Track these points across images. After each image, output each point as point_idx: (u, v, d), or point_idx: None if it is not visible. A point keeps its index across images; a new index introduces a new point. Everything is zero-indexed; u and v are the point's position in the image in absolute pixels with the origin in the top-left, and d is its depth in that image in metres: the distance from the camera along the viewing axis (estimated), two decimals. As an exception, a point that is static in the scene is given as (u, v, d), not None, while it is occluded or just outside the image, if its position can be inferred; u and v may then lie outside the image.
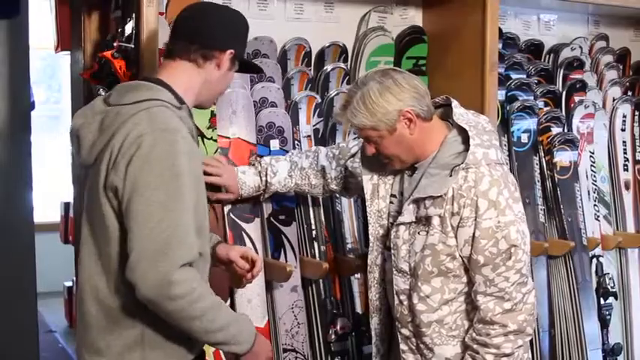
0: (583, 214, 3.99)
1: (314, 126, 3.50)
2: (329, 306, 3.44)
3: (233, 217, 3.20)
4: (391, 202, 2.85)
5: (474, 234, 2.59)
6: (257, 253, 3.22)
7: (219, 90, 2.56)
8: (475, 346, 2.65)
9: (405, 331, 2.80)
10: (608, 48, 4.47)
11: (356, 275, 3.52)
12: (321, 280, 3.43)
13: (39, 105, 4.91)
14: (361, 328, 3.51)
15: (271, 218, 3.31)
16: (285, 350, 3.33)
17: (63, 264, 4.82)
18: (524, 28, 4.29)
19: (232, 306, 3.17)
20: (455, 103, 2.74)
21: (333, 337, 3.43)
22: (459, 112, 2.71)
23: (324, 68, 3.57)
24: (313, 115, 3.49)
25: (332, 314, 3.44)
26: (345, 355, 3.48)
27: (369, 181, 2.88)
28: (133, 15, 2.93)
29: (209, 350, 3.08)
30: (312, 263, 3.37)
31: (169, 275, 2.16)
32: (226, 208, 3.17)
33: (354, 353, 3.51)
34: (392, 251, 2.77)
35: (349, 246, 3.53)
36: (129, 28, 2.95)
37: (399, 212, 2.76)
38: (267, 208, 3.31)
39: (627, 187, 4.29)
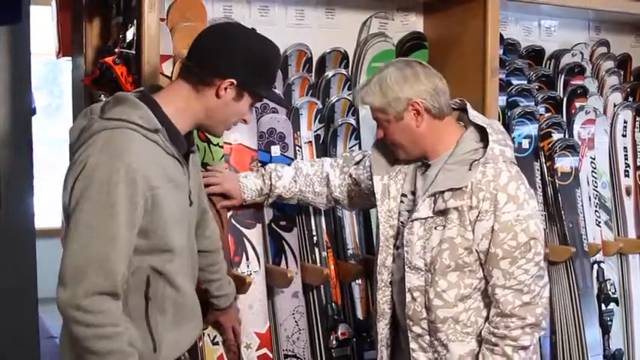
0: (584, 220, 3.99)
1: (315, 132, 3.50)
2: (330, 312, 3.44)
3: (234, 222, 3.20)
4: (401, 202, 2.87)
5: (492, 227, 2.62)
6: (258, 259, 3.22)
7: (224, 119, 2.51)
8: (494, 339, 2.67)
9: (417, 329, 2.79)
10: (609, 54, 4.47)
11: (357, 281, 3.52)
12: (322, 286, 3.43)
13: (40, 111, 4.91)
14: (362, 333, 3.51)
15: (272, 224, 3.31)
16: (286, 356, 3.33)
17: (64, 270, 4.81)
18: (525, 34, 4.29)
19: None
20: (469, 106, 2.80)
21: (334, 342, 3.42)
22: (474, 114, 2.77)
23: (325, 74, 3.57)
24: (314, 121, 3.49)
25: (333, 320, 3.43)
26: (346, 361, 3.48)
27: (379, 181, 2.90)
28: (134, 21, 2.93)
29: (212, 355, 3.09)
30: (313, 269, 3.37)
31: (77, 299, 2.18)
32: (228, 214, 3.17)
33: (355, 359, 3.51)
34: (405, 248, 2.77)
35: (350, 252, 3.53)
36: (130, 34, 2.95)
37: (409, 211, 2.79)
38: (269, 214, 3.31)
39: (628, 193, 4.28)
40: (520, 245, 2.62)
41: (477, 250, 2.68)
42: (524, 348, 2.67)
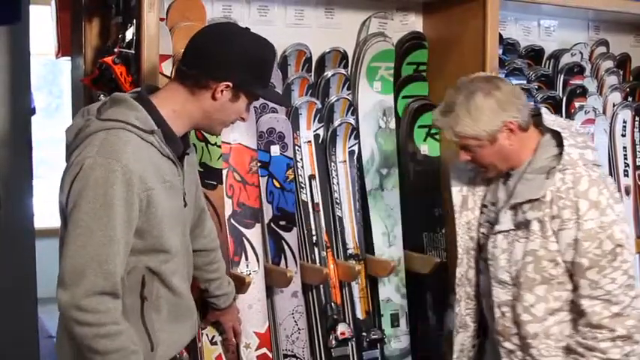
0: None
1: (314, 131, 3.51)
2: (329, 311, 3.45)
3: (234, 222, 3.21)
4: (482, 212, 2.82)
5: (576, 236, 2.54)
6: (257, 258, 3.23)
7: (222, 120, 2.50)
8: (581, 350, 2.60)
9: (509, 345, 2.74)
10: (608, 53, 4.47)
11: (357, 280, 3.52)
12: (321, 286, 3.43)
13: (39, 111, 4.91)
14: (362, 333, 3.52)
15: (272, 224, 3.31)
16: (285, 356, 3.33)
17: (64, 270, 4.81)
18: (525, 33, 4.28)
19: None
20: (544, 110, 2.73)
21: (333, 342, 3.43)
22: (550, 118, 2.69)
23: (325, 74, 3.57)
24: (314, 121, 3.49)
25: (332, 320, 3.44)
26: (345, 361, 3.48)
27: (458, 192, 2.87)
28: (134, 21, 2.93)
29: (211, 355, 3.09)
30: (312, 269, 3.38)
31: (77, 299, 2.20)
32: (227, 214, 3.18)
33: (354, 359, 3.51)
34: (489, 262, 2.72)
35: (350, 251, 3.53)
36: (129, 33, 2.95)
37: (491, 222, 2.74)
38: (268, 214, 3.31)
39: (628, 193, 4.28)
40: (606, 253, 2.52)
41: (563, 261, 2.60)
42: None
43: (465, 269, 2.90)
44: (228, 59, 2.39)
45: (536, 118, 2.72)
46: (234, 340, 3.10)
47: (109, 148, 2.25)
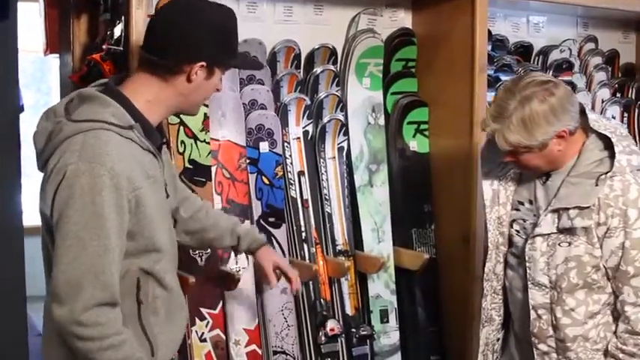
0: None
1: (303, 128, 3.50)
2: (319, 308, 3.45)
3: (223, 219, 3.20)
4: (517, 209, 2.77)
5: (623, 244, 2.50)
6: (247, 255, 3.21)
7: (199, 99, 2.44)
8: (622, 356, 2.57)
9: (543, 347, 2.71)
10: (597, 50, 4.48)
11: (346, 276, 3.52)
12: (310, 282, 3.43)
13: (28, 108, 4.89)
14: (351, 329, 3.52)
15: (261, 220, 3.31)
16: (275, 352, 3.33)
17: (53, 267, 4.81)
18: (514, 30, 4.29)
19: (223, 308, 3.17)
20: (588, 109, 2.64)
21: (323, 338, 3.43)
22: (592, 118, 2.61)
23: (314, 70, 3.57)
24: (302, 117, 3.49)
25: (322, 316, 3.44)
26: (335, 357, 3.49)
27: (489, 186, 2.82)
28: (122, 17, 2.92)
29: (200, 352, 3.08)
30: (301, 265, 3.37)
31: (77, 315, 2.11)
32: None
33: (344, 355, 3.52)
34: (527, 264, 2.68)
35: (339, 248, 3.53)
36: (118, 30, 2.95)
37: (527, 220, 2.71)
38: (257, 211, 3.31)
39: (616, 189, 4.29)
40: None
41: (604, 267, 2.57)
42: None
43: (493, 264, 2.86)
44: (197, 39, 2.31)
45: (581, 116, 2.61)
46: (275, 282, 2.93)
47: (90, 151, 2.14)
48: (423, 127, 3.79)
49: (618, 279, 2.55)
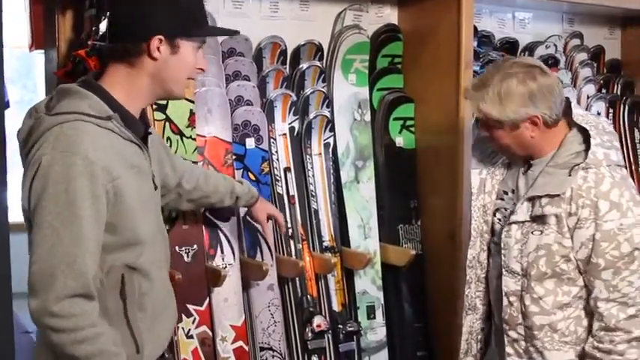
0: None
1: (289, 124, 3.50)
2: (305, 304, 3.45)
3: (209, 215, 3.20)
4: (501, 199, 2.81)
5: (593, 236, 2.53)
6: (233, 252, 3.23)
7: (174, 78, 2.34)
8: (599, 355, 2.58)
9: (513, 334, 2.75)
10: (582, 46, 4.49)
11: (332, 273, 3.52)
12: (297, 278, 3.43)
13: (13, 104, 4.87)
14: (338, 325, 3.52)
15: (247, 216, 3.30)
16: (262, 349, 3.33)
17: (38, 264, 4.79)
18: (500, 26, 4.30)
19: (209, 305, 3.16)
20: (573, 104, 2.69)
21: (309, 335, 3.43)
22: (579, 113, 2.67)
23: (300, 66, 3.57)
24: (289, 113, 3.49)
25: (309, 312, 3.44)
26: (321, 353, 3.48)
27: (477, 175, 2.87)
28: (108, 13, 2.90)
29: (187, 349, 3.08)
30: (288, 261, 3.37)
31: (50, 305, 2.08)
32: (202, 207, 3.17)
33: (330, 351, 3.52)
34: (502, 251, 2.72)
35: (325, 244, 3.54)
36: (103, 26, 2.93)
37: (509, 209, 2.73)
38: (244, 207, 3.31)
39: (602, 184, 4.30)
40: (623, 256, 2.52)
41: (575, 259, 2.60)
42: None
43: (477, 252, 2.89)
44: (147, 13, 2.27)
45: (566, 110, 2.68)
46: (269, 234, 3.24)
47: (65, 141, 2.12)
48: (409, 123, 3.79)
49: (590, 272, 2.57)
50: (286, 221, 3.43)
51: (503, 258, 2.72)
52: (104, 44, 2.36)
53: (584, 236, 2.55)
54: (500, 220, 2.81)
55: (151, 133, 2.45)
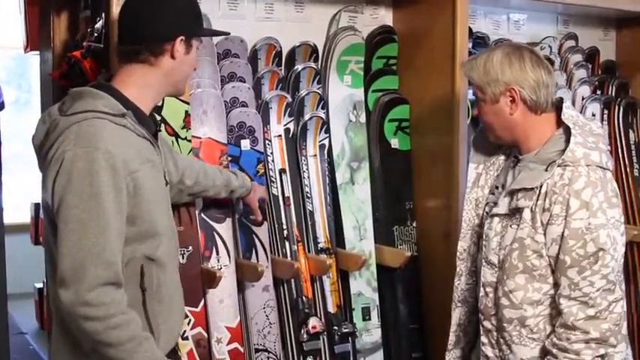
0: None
1: (285, 125, 3.50)
2: (301, 305, 3.45)
3: (204, 217, 3.20)
4: (492, 193, 2.86)
5: (562, 233, 2.54)
6: (228, 253, 3.23)
7: (183, 75, 2.52)
8: (554, 351, 2.58)
9: (488, 324, 2.78)
10: (577, 47, 4.50)
11: (328, 274, 3.53)
12: (292, 280, 3.43)
13: (9, 105, 4.88)
14: (333, 327, 3.52)
15: (242, 218, 3.31)
16: (257, 350, 3.33)
17: (33, 265, 4.77)
18: (494, 27, 4.30)
19: (205, 306, 3.16)
20: (567, 104, 2.71)
21: (305, 336, 3.42)
22: (569, 113, 2.68)
23: (295, 68, 3.57)
24: (284, 115, 3.49)
25: (304, 314, 3.44)
26: (317, 355, 3.48)
27: (474, 169, 2.92)
28: (103, 14, 2.91)
29: (182, 350, 3.08)
30: (283, 263, 3.37)
31: (83, 295, 2.15)
32: (197, 209, 3.17)
33: (326, 352, 3.52)
34: (483, 242, 2.77)
35: (321, 245, 3.54)
36: (98, 27, 2.94)
37: (497, 204, 2.77)
38: (239, 208, 3.31)
39: (597, 185, 4.31)
40: (588, 255, 2.52)
41: (547, 255, 2.61)
42: None
43: (467, 244, 2.92)
44: (169, 16, 2.41)
45: (557, 109, 2.72)
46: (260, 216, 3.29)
47: (85, 137, 2.21)
48: (404, 124, 3.79)
49: (558, 269, 2.58)
50: (281, 222, 3.43)
51: (483, 249, 2.77)
52: (121, 47, 2.45)
53: (555, 233, 2.56)
54: (488, 213, 2.85)
55: (160, 130, 2.57)
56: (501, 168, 2.86)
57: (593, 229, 2.51)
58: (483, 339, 2.80)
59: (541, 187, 2.58)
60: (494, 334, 2.76)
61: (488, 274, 2.74)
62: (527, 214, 2.61)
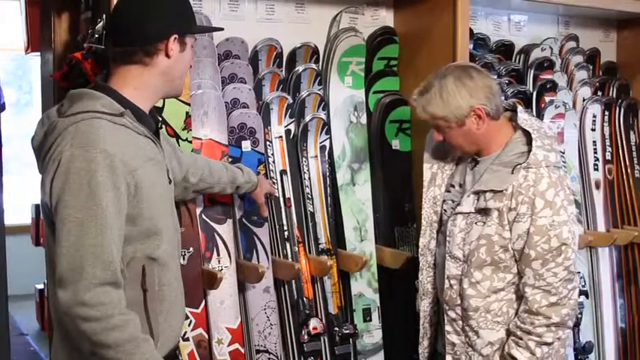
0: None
1: (285, 127, 3.50)
2: (301, 306, 3.45)
3: (205, 218, 3.20)
4: (448, 191, 3.04)
5: (528, 230, 2.78)
6: (229, 254, 3.23)
7: (179, 74, 2.48)
8: (519, 333, 2.84)
9: (452, 314, 2.97)
10: (578, 48, 4.49)
11: (328, 275, 3.52)
12: (293, 281, 3.43)
13: (9, 106, 4.88)
14: (334, 328, 3.52)
15: (243, 219, 3.31)
16: (258, 351, 3.33)
17: (34, 266, 4.78)
18: (495, 28, 4.30)
19: (205, 307, 3.16)
20: (520, 109, 2.93)
21: (305, 337, 3.43)
22: (524, 117, 2.89)
23: (296, 69, 3.57)
24: (285, 116, 3.49)
25: (304, 315, 3.44)
26: (317, 356, 3.49)
27: (428, 169, 3.10)
28: (104, 15, 2.91)
29: (183, 351, 3.08)
30: (284, 264, 3.37)
31: (80, 296, 2.13)
32: (198, 210, 3.17)
33: (327, 353, 3.52)
34: (447, 238, 2.93)
35: (322, 246, 3.54)
36: (99, 28, 2.94)
37: (455, 201, 2.97)
38: (239, 209, 3.31)
39: (597, 187, 4.31)
40: (552, 249, 2.78)
41: (512, 249, 2.84)
42: (547, 344, 2.82)
43: (427, 240, 3.12)
44: (162, 14, 2.39)
45: (513, 114, 2.95)
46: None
47: (83, 137, 2.19)
48: (405, 125, 3.80)
49: (522, 261, 2.83)
50: (282, 223, 3.43)
51: (447, 245, 2.94)
52: (115, 49, 2.41)
53: (521, 229, 2.80)
54: (446, 210, 3.03)
55: (161, 128, 2.55)
56: (455, 167, 3.05)
57: (556, 225, 2.78)
58: (448, 328, 3.00)
59: (506, 188, 2.79)
60: (460, 322, 2.96)
61: (452, 268, 2.94)
62: (494, 213, 2.82)
